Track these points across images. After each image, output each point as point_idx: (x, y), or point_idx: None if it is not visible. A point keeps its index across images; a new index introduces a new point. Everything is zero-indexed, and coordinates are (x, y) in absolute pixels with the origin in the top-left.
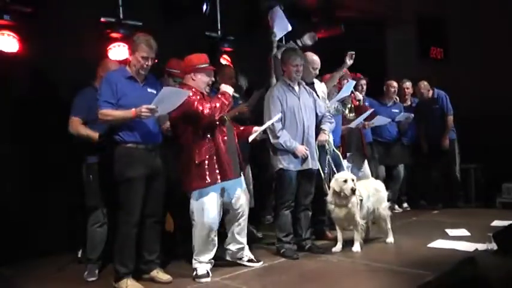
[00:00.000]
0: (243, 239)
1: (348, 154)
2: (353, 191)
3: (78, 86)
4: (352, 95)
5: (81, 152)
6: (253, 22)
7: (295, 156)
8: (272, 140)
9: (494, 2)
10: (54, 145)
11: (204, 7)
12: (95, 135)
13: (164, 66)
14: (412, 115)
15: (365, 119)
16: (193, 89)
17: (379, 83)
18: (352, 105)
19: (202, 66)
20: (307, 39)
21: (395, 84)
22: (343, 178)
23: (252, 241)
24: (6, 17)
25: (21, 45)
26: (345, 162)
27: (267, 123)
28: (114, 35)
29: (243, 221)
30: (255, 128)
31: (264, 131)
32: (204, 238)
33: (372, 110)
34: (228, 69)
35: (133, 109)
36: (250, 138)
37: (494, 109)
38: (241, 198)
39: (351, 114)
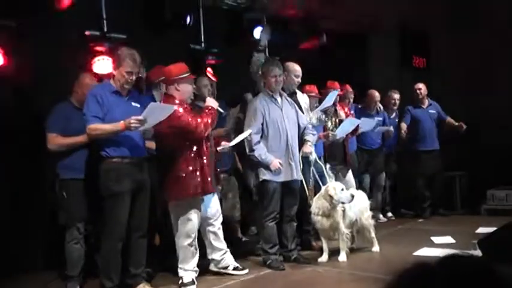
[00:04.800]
0: (222, 244)
1: (327, 165)
2: (352, 197)
3: (62, 99)
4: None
5: (54, 168)
6: (237, 34)
7: (270, 169)
8: (248, 152)
9: (476, 12)
10: (38, 160)
11: (188, 19)
12: (80, 138)
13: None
14: (392, 129)
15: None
16: (180, 102)
17: (362, 92)
18: (337, 120)
19: (183, 76)
20: (263, 36)
21: (377, 95)
22: (340, 187)
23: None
24: None
25: (6, 59)
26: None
27: (236, 139)
28: (98, 48)
29: (217, 229)
30: (223, 143)
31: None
32: (188, 246)
33: (358, 122)
34: (203, 78)
35: (121, 121)
36: (219, 149)
37: (477, 117)
38: (214, 207)
39: (335, 128)
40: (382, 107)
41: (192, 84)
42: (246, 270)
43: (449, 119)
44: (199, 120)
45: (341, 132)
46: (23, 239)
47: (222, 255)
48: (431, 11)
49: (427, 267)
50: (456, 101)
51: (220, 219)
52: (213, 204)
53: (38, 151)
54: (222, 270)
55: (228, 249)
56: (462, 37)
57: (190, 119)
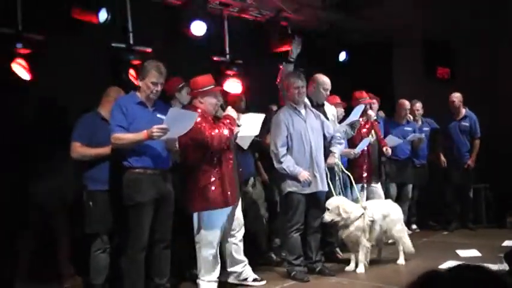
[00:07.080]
0: (242, 257)
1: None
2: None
3: (90, 110)
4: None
5: (81, 179)
6: (262, 46)
7: (299, 181)
8: (276, 165)
9: (500, 21)
10: (62, 172)
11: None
12: (104, 150)
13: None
14: (424, 136)
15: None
16: (202, 113)
17: (386, 103)
18: (373, 131)
19: (207, 88)
20: (295, 49)
21: (407, 103)
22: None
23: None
24: (18, 45)
25: (33, 73)
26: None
27: None
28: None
29: (239, 241)
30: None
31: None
32: (210, 256)
33: (370, 139)
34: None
35: (144, 131)
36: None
37: (502, 128)
38: (237, 218)
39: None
40: (411, 117)
41: (217, 97)
42: (264, 282)
43: (476, 143)
44: (213, 133)
45: (359, 148)
46: (50, 247)
47: (243, 267)
48: (455, 22)
49: (435, 273)
50: (481, 112)
51: (242, 231)
52: (235, 216)
53: (65, 165)
54: (242, 282)
55: (247, 261)
56: (486, 47)
57: (207, 133)
